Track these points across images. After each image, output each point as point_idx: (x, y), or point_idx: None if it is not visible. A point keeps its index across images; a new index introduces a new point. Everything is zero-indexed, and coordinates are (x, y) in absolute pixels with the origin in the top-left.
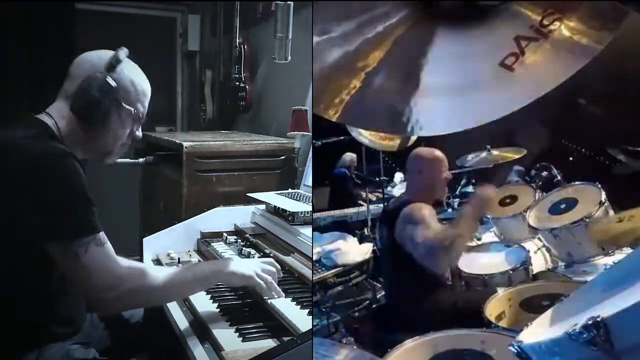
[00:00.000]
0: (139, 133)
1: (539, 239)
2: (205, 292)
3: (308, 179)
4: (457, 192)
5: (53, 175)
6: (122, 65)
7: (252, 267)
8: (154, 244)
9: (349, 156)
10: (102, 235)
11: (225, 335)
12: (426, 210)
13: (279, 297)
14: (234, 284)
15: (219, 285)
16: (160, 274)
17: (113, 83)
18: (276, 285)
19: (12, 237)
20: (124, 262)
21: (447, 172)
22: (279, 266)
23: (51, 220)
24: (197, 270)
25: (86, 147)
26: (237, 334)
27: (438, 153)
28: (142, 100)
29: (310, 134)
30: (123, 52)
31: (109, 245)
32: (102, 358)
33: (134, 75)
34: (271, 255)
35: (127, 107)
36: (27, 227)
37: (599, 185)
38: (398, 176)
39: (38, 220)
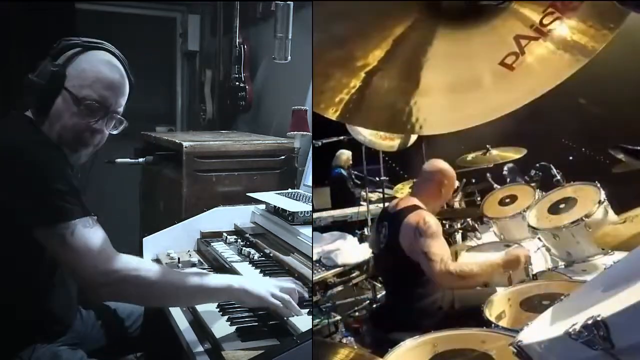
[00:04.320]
0: (105, 127)
1: (538, 238)
2: None
3: (308, 179)
4: (457, 192)
5: (33, 161)
6: (71, 53)
7: (268, 287)
8: (154, 243)
9: (345, 154)
10: (90, 218)
11: (225, 335)
12: (439, 227)
13: (298, 315)
14: (245, 303)
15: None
16: (161, 272)
17: (53, 68)
18: (295, 304)
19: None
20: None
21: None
22: (298, 287)
23: (34, 205)
24: (206, 280)
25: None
26: (237, 333)
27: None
28: (90, 88)
29: (310, 134)
30: (69, 41)
31: (99, 229)
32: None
33: (85, 65)
34: (271, 255)
35: (70, 92)
36: (13, 214)
37: (598, 185)
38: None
39: (22, 206)
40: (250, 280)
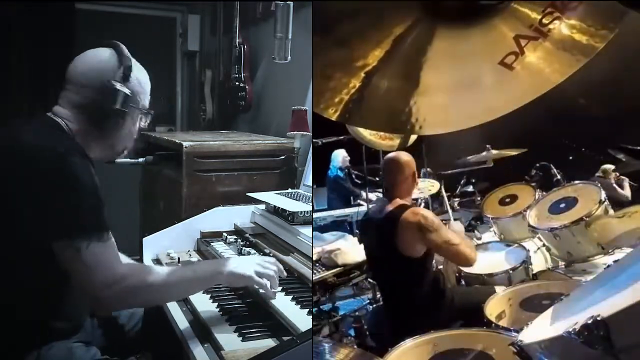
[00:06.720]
0: (143, 124)
1: (538, 238)
2: (205, 292)
3: (308, 178)
4: (457, 192)
5: (63, 172)
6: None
7: (252, 266)
8: (154, 243)
9: (340, 155)
10: (106, 233)
11: (225, 335)
12: (436, 217)
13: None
14: (233, 284)
15: (219, 285)
16: (160, 273)
17: (129, 92)
18: (277, 280)
19: (18, 231)
20: (125, 260)
21: None
22: (280, 265)
23: (58, 218)
24: (198, 270)
25: (99, 148)
26: (237, 333)
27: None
28: (147, 95)
29: (310, 133)
30: (129, 59)
31: (112, 242)
32: (102, 357)
33: (139, 75)
34: (271, 254)
35: (139, 108)
36: (34, 223)
37: (599, 185)
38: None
39: (45, 217)
40: (236, 261)
